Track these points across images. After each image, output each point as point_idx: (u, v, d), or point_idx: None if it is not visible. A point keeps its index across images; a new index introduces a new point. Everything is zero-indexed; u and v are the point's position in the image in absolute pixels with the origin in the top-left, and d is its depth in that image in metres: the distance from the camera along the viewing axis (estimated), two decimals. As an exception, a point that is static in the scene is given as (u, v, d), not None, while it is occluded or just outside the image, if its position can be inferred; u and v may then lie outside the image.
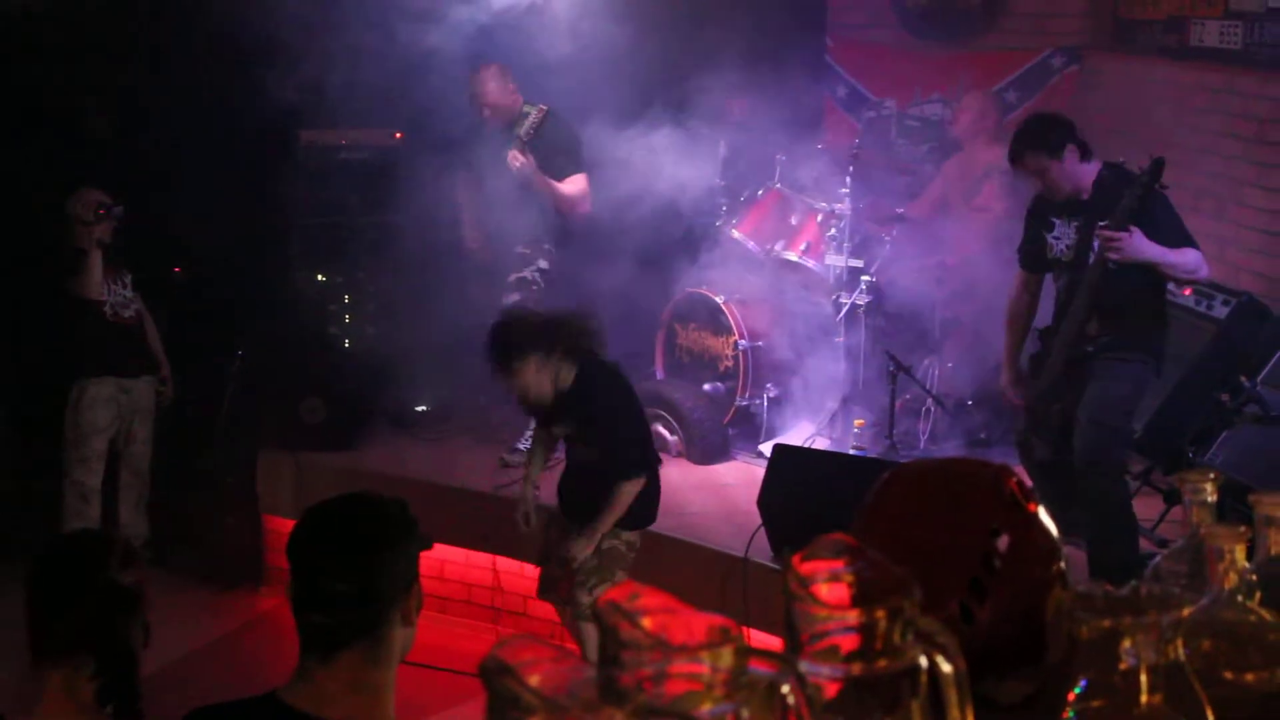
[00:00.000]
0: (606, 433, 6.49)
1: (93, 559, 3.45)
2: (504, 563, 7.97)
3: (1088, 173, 6.68)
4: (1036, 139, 6.68)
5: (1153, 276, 6.60)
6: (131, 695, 3.38)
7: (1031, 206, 7.04)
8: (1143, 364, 6.66)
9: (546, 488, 7.02)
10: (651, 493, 6.63)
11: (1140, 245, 6.37)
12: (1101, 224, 6.43)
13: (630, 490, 6.42)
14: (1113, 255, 6.39)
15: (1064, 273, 6.83)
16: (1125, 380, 6.65)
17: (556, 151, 8.53)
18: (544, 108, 8.52)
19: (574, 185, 8.56)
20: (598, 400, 6.48)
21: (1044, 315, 7.17)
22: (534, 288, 8.65)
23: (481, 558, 8.19)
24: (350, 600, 2.88)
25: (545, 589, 6.88)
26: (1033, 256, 7.04)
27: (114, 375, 8.43)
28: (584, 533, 6.43)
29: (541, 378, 6.35)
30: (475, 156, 8.73)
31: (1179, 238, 6.48)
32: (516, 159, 8.40)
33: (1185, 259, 6.47)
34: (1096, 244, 6.52)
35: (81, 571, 3.42)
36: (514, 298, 8.65)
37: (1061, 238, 6.80)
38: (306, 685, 2.88)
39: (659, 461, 6.81)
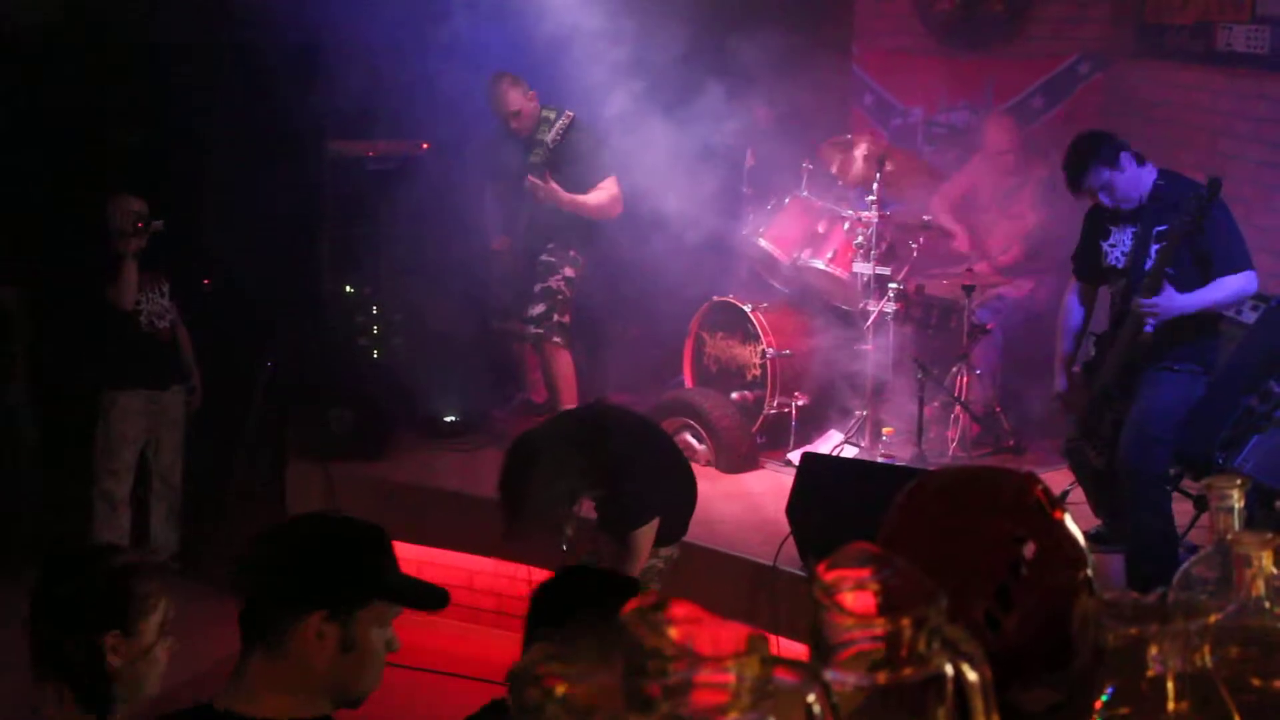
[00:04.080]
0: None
1: (84, 578, 3.47)
2: (539, 574, 7.95)
3: (1146, 178, 6.66)
4: (1091, 156, 6.63)
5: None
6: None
7: (1089, 214, 7.01)
8: (1192, 375, 6.68)
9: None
10: (684, 504, 6.61)
11: (1175, 304, 6.47)
12: (1137, 297, 6.51)
13: (648, 534, 6.39)
14: (1150, 319, 6.49)
15: (1119, 279, 6.82)
16: (1172, 391, 6.64)
17: (582, 158, 8.56)
18: (569, 115, 8.53)
19: (604, 191, 8.58)
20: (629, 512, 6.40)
21: (1099, 320, 7.18)
22: (559, 297, 8.67)
23: (512, 568, 8.18)
24: (253, 597, 2.93)
25: None
26: (1088, 266, 7.04)
27: (145, 387, 8.43)
28: None
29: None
30: (502, 165, 8.76)
31: (1227, 264, 6.50)
32: (537, 186, 8.43)
33: (1224, 293, 6.55)
34: (1154, 249, 6.54)
35: (73, 590, 3.45)
36: (539, 308, 8.66)
37: (1117, 245, 6.79)
38: (234, 681, 2.91)
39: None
